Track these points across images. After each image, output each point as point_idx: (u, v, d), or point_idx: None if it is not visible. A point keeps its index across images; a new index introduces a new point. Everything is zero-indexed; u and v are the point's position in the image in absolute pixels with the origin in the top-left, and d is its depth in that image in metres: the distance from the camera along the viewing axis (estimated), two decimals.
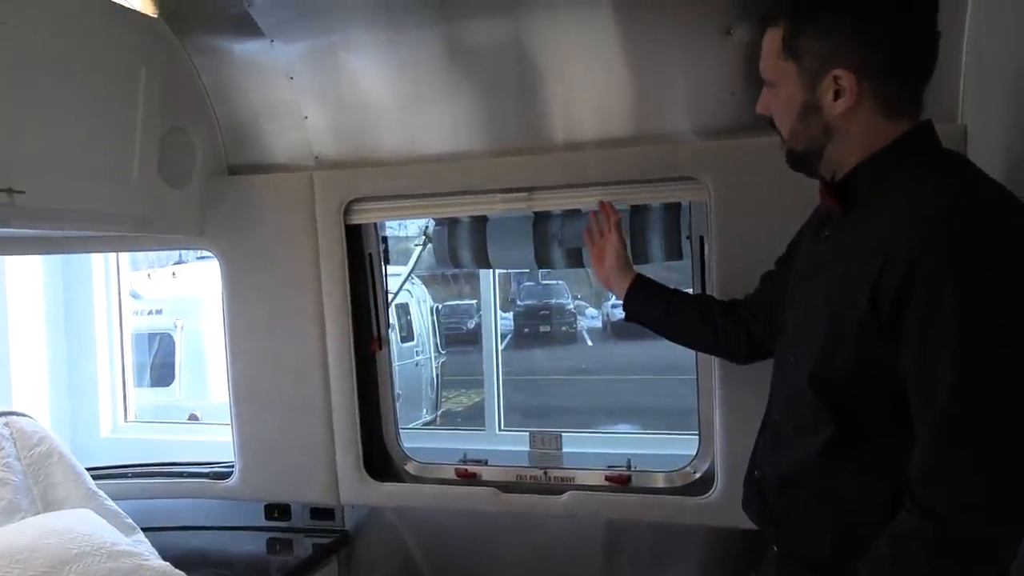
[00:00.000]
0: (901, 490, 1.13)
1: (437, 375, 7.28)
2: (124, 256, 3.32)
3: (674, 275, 2.19)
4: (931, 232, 1.08)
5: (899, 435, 1.14)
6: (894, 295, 1.10)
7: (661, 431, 2.21)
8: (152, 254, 5.51)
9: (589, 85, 2.06)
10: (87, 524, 1.87)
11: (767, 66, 1.29)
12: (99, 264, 3.11)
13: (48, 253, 2.80)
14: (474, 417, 7.40)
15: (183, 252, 5.34)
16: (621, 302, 1.86)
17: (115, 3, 1.92)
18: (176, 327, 5.20)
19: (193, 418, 4.38)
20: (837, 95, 1.19)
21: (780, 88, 1.27)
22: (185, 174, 2.25)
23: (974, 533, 1.08)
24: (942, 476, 1.09)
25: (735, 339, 1.69)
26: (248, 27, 2.09)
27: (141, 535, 2.13)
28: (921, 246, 1.07)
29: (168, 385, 5.12)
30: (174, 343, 5.22)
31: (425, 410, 6.94)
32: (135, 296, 5.04)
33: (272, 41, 2.13)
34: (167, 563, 1.90)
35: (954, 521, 1.07)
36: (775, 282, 1.58)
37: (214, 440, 2.69)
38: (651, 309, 1.80)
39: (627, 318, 1.85)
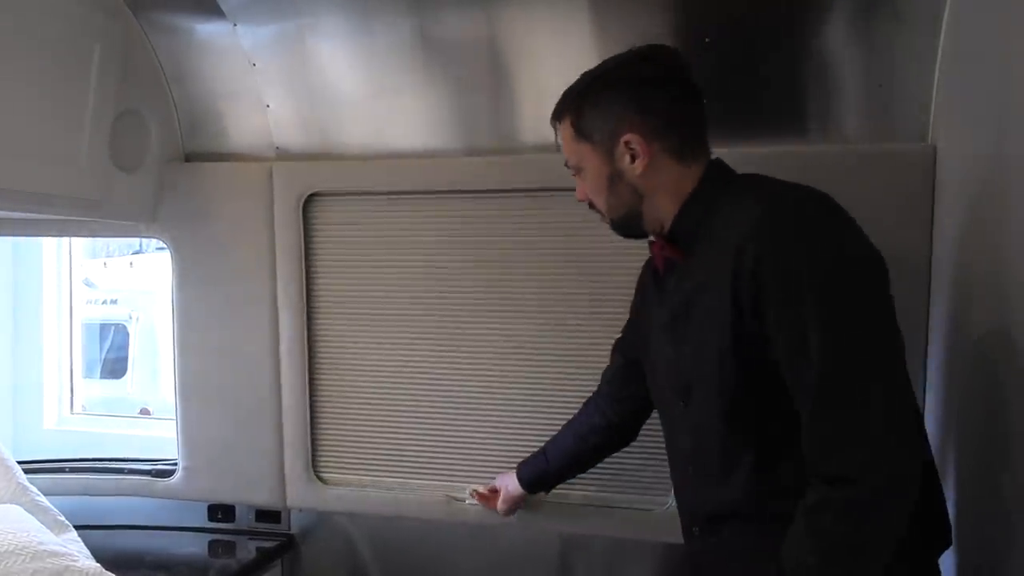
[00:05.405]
0: None
1: None
2: (79, 243, 3.22)
3: None
4: (765, 223, 1.17)
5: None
6: (750, 292, 1.17)
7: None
8: (113, 243, 5.35)
9: (563, 87, 2.01)
10: (13, 521, 1.78)
11: (569, 155, 1.41)
12: (51, 250, 3.01)
13: None
14: None
15: (143, 242, 5.18)
16: None
17: None
18: (131, 318, 5.04)
19: (145, 412, 4.24)
20: (633, 158, 1.31)
21: (586, 171, 1.38)
22: (138, 158, 2.16)
23: (877, 488, 1.10)
24: (832, 442, 1.12)
25: (619, 430, 1.81)
26: (210, 8, 2.01)
27: (74, 534, 2.03)
28: (760, 239, 1.16)
29: (120, 378, 4.95)
30: (128, 335, 5.06)
31: None
32: (89, 285, 4.87)
33: (235, 24, 2.05)
34: (98, 565, 1.81)
35: (854, 483, 1.10)
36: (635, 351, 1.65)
37: (164, 435, 2.58)
38: (535, 462, 1.91)
39: (531, 492, 1.97)
